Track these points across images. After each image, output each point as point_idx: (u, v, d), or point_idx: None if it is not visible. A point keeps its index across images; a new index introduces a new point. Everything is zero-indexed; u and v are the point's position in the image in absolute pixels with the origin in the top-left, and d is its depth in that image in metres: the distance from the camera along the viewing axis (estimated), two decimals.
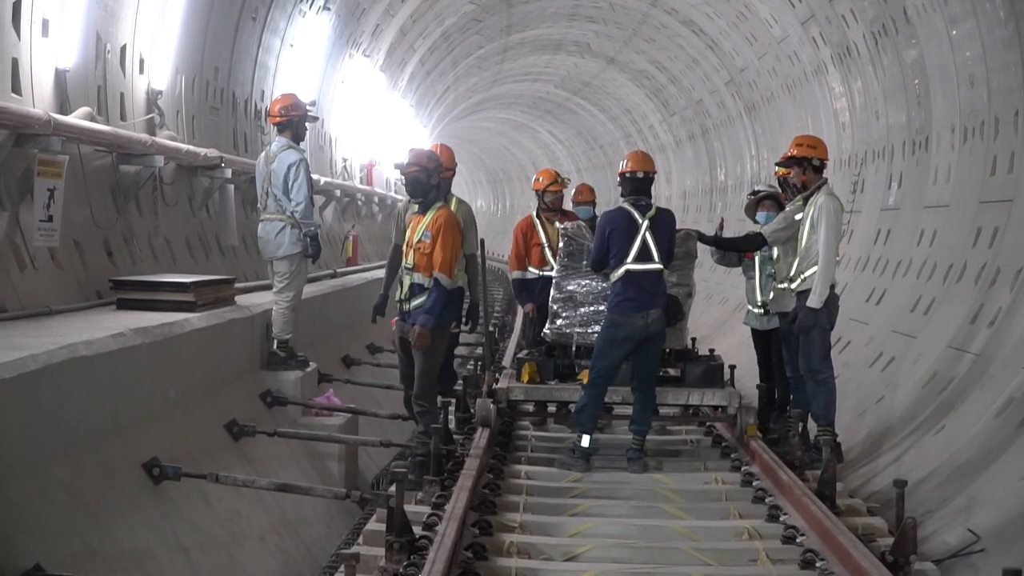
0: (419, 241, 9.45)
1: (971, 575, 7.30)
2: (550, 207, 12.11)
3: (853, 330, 13.44)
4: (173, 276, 10.51)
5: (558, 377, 10.86)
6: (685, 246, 10.57)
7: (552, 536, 7.80)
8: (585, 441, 9.79)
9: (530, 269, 12.01)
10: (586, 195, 12.49)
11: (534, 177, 12.44)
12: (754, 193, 11.63)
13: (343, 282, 16.58)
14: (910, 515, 7.04)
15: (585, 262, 10.67)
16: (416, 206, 9.70)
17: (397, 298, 9.70)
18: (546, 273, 11.71)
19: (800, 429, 9.94)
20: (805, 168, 10.09)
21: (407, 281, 9.57)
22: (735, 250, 11.47)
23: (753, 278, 11.35)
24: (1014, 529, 7.39)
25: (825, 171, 10.22)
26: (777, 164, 10.71)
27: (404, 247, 9.71)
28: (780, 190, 11.06)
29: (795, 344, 10.21)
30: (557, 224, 11.51)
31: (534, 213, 12.27)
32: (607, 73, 32.81)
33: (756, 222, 11.22)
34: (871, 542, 7.40)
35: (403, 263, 9.68)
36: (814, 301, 9.73)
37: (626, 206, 9.93)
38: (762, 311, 11.19)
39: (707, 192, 28.14)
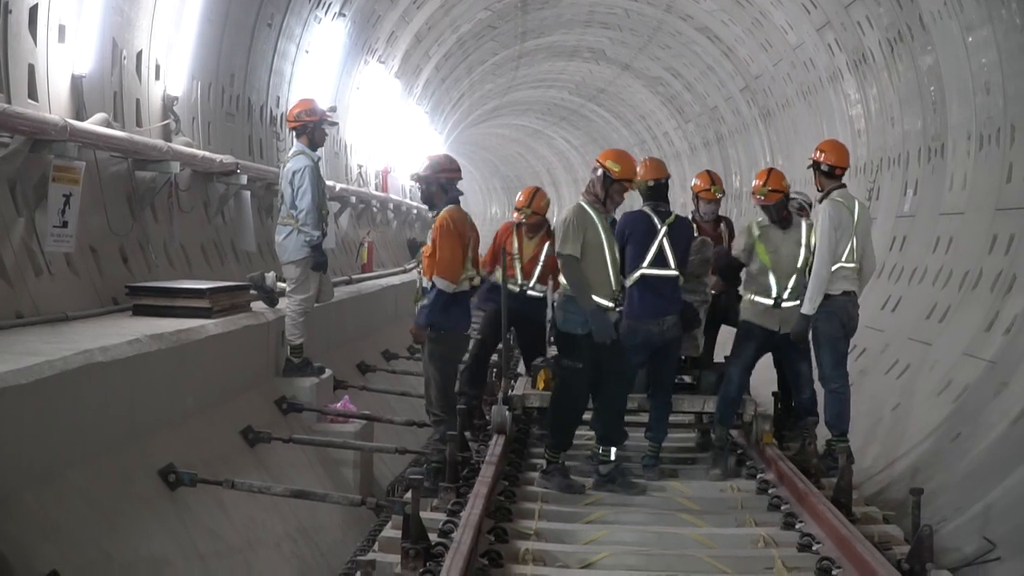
0: (424, 245, 9.62)
1: None
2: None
3: (869, 337, 13.38)
4: (189, 282, 10.53)
5: None
6: (701, 253, 10.54)
7: (568, 543, 7.80)
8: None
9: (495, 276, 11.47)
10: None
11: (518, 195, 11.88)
12: None
13: (358, 288, 16.59)
14: (926, 523, 7.02)
15: None
16: None
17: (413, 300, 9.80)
18: (511, 287, 11.32)
19: (814, 437, 9.91)
20: (815, 173, 10.11)
21: (418, 284, 9.71)
22: (730, 270, 11.17)
23: None
24: None
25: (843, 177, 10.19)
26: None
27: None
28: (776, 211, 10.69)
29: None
30: None
31: (515, 224, 11.73)
32: (622, 80, 32.81)
33: None
34: (887, 550, 7.38)
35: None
36: (807, 308, 9.77)
37: (646, 210, 9.91)
38: None
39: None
